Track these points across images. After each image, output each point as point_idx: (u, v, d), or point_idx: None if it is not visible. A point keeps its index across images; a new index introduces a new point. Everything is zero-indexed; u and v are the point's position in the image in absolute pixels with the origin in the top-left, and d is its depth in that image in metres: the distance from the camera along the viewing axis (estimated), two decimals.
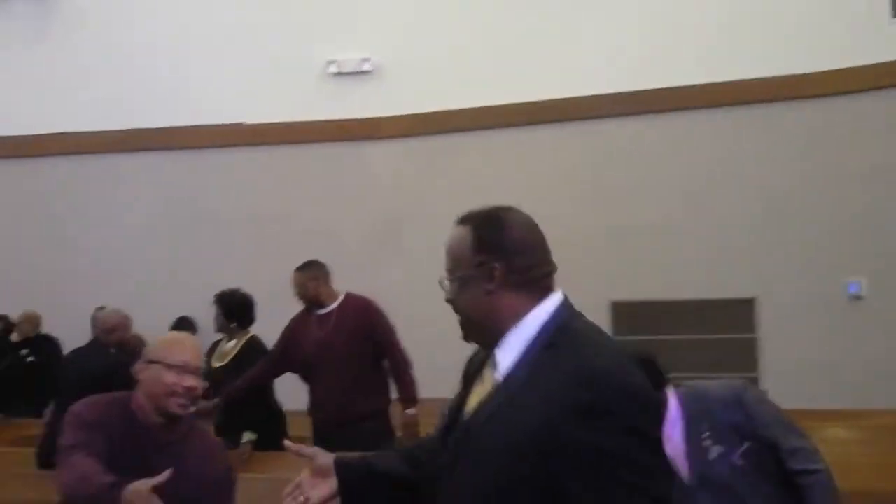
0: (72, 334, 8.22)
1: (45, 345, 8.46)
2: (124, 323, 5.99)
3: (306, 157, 9.10)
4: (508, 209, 2.00)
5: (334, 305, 5.73)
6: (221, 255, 8.84)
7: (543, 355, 1.83)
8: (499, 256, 1.90)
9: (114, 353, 5.83)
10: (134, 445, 2.90)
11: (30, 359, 8.48)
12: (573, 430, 1.68)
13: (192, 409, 3.01)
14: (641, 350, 2.99)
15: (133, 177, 9.15)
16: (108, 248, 9.03)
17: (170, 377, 2.91)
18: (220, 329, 6.06)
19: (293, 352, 5.83)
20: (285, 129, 9.04)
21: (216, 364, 5.92)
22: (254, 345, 5.98)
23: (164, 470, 2.75)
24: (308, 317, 5.81)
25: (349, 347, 5.60)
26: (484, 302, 1.91)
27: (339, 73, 9.18)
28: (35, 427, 6.32)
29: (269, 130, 9.06)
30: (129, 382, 5.26)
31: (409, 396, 5.59)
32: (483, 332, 1.94)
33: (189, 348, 3.02)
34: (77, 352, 6.43)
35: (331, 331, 5.68)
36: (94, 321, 6.42)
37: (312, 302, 5.76)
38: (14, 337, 8.59)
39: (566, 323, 1.88)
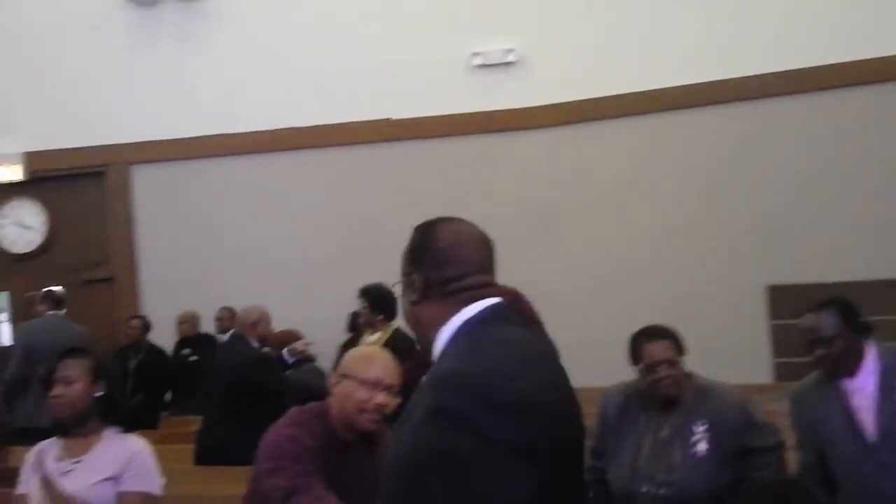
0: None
1: (206, 343, 8.81)
2: (265, 318, 6.34)
3: (454, 150, 9.19)
4: (447, 220, 2.02)
5: None
6: (374, 251, 9.04)
7: (438, 364, 1.84)
8: (420, 268, 1.96)
9: (255, 348, 6.14)
10: (331, 462, 2.92)
11: (192, 357, 8.85)
12: (420, 431, 1.68)
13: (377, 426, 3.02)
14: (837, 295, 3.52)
15: (287, 175, 9.41)
16: (265, 246, 9.31)
17: (362, 393, 2.94)
18: (366, 322, 6.20)
19: None
20: (431, 123, 9.15)
21: None
22: (399, 337, 6.09)
23: (360, 487, 2.79)
24: None
25: None
26: (409, 311, 1.99)
27: (484, 65, 9.24)
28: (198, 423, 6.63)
29: (416, 125, 9.19)
30: (271, 374, 5.49)
31: None
32: (419, 339, 2.00)
33: (382, 364, 3.02)
34: (221, 347, 6.74)
35: None
36: (237, 317, 6.81)
37: None
38: (175, 337, 9.00)
39: (469, 330, 1.87)
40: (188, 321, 8.86)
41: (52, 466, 3.29)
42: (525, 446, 1.69)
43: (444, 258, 1.96)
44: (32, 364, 6.90)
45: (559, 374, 1.97)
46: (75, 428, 3.33)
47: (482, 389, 1.71)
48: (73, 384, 3.30)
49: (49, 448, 3.38)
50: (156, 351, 8.88)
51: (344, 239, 9.24)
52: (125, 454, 3.28)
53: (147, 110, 9.45)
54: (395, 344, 6.00)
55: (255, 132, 9.35)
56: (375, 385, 2.94)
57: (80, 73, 9.54)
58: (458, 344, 1.86)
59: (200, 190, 9.50)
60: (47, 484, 3.23)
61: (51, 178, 9.57)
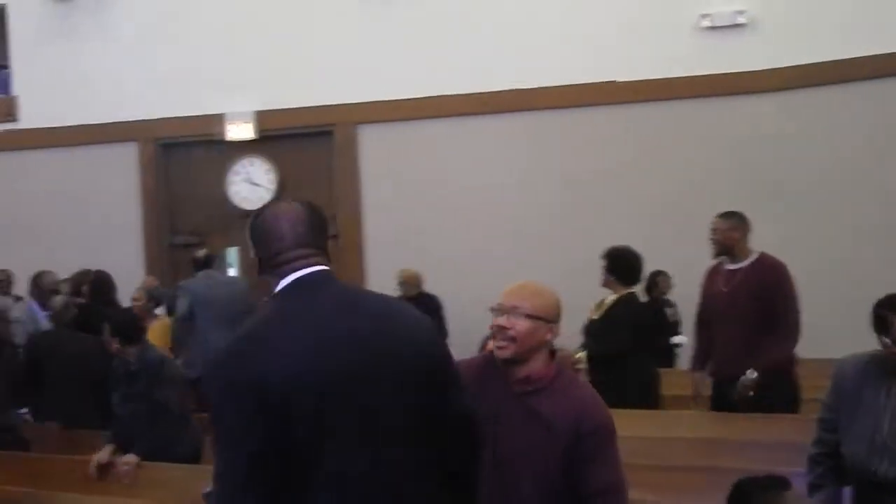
0: (451, 289, 8.92)
1: (430, 301, 9.10)
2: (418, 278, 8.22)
3: (679, 113, 9.25)
4: (273, 204, 2.56)
5: (746, 263, 5.84)
6: (596, 210, 9.24)
7: None
8: (254, 246, 2.47)
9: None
10: (490, 394, 2.95)
11: None
12: None
13: (509, 353, 2.95)
14: None
15: (509, 135, 9.63)
16: (488, 206, 9.57)
17: (492, 321, 3.00)
18: (604, 284, 6.34)
19: (705, 304, 6.09)
20: (659, 86, 9.23)
21: (593, 317, 6.26)
22: (626, 301, 6.21)
23: (513, 419, 2.88)
24: (718, 269, 6.00)
25: (749, 307, 5.70)
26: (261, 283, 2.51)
27: (713, 27, 9.24)
28: None
29: (643, 87, 9.28)
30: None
31: (765, 368, 5.59)
32: None
33: (513, 290, 3.00)
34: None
35: (736, 287, 5.82)
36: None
37: (727, 253, 5.92)
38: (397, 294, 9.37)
39: (264, 304, 2.43)
40: (409, 281, 9.15)
41: None
42: (256, 411, 2.14)
43: (266, 237, 2.43)
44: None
45: (338, 336, 2.30)
46: None
47: (217, 361, 2.33)
48: None
49: None
50: None
51: (566, 199, 9.40)
52: None
53: (374, 71, 9.76)
54: (616, 310, 6.18)
55: (480, 93, 9.57)
56: (497, 309, 2.98)
57: (311, 34, 9.93)
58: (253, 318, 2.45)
59: (425, 150, 9.79)
60: None
61: (280, 136, 10.04)
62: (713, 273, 6.04)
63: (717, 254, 5.99)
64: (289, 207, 2.47)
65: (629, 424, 4.58)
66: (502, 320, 2.93)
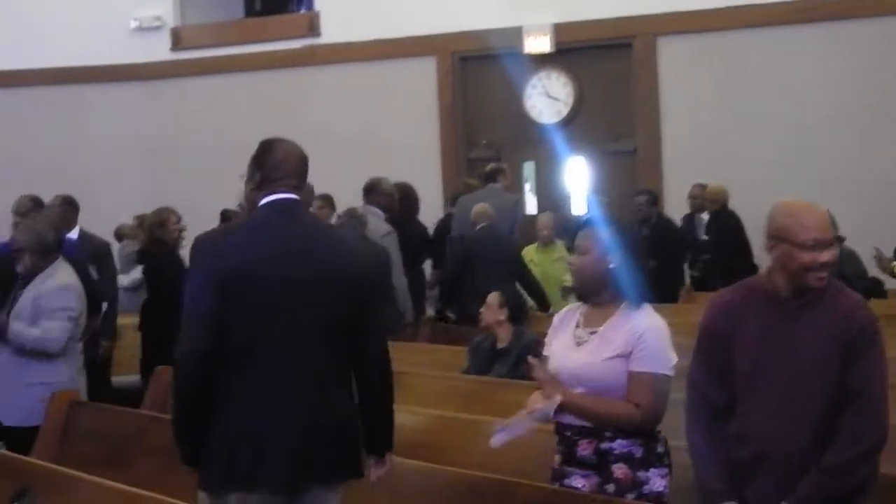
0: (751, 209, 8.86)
1: (725, 220, 9.13)
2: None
3: None
4: (283, 140, 3.34)
5: None
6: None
7: None
8: (260, 166, 3.29)
9: None
10: (763, 318, 3.09)
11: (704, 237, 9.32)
12: None
13: (825, 282, 3.04)
14: None
15: (804, 49, 9.45)
16: (772, 123, 9.49)
17: (804, 256, 2.97)
18: None
19: None
20: None
21: None
22: None
23: (794, 335, 3.00)
24: None
25: None
26: (248, 195, 3.42)
27: None
28: None
29: None
30: None
31: None
32: None
33: (819, 223, 3.03)
34: None
35: None
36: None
37: None
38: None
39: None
40: (714, 196, 9.11)
41: (574, 332, 3.47)
42: (214, 282, 3.08)
43: (277, 164, 3.25)
44: None
45: (289, 248, 3.15)
46: (592, 297, 3.46)
47: (198, 248, 3.21)
48: (585, 255, 3.43)
49: (574, 313, 3.56)
50: (665, 223, 9.30)
51: (882, 117, 9.18)
52: (635, 330, 3.33)
53: None
54: None
55: (789, 1, 9.42)
56: (814, 246, 2.97)
57: None
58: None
59: (728, 62, 9.72)
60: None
61: (578, 49, 10.19)
62: None
63: None
64: (296, 146, 3.33)
65: None
66: (828, 256, 3.01)
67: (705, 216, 9.45)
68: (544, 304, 7.57)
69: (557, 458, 3.44)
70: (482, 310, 5.83)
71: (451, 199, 9.13)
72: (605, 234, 3.39)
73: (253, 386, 3.10)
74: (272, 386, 3.10)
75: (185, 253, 5.22)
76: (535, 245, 8.14)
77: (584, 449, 3.33)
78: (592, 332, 3.40)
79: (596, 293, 3.43)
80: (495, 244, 7.64)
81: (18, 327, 4.99)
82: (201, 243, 3.22)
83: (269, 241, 3.16)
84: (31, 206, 6.43)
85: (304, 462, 3.11)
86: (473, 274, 7.50)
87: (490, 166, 8.94)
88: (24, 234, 5.25)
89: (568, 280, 7.46)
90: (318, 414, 3.15)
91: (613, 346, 3.33)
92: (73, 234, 6.61)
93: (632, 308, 3.39)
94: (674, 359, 3.35)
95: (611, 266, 3.37)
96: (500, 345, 5.73)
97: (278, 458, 3.06)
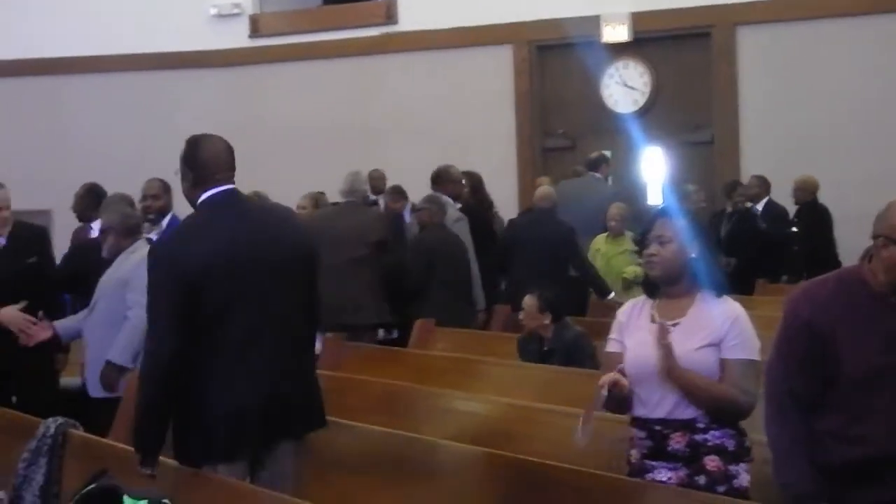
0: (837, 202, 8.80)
1: (810, 212, 9.04)
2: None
3: None
4: (210, 136, 3.63)
5: None
6: None
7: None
8: (193, 166, 3.57)
9: None
10: (869, 317, 3.05)
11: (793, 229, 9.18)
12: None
13: None
14: None
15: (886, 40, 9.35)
16: (854, 115, 9.41)
17: None
18: None
19: None
20: None
21: None
22: None
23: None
24: None
25: None
26: (187, 192, 3.64)
27: None
28: None
29: None
30: None
31: None
32: None
33: None
34: None
35: None
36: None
37: None
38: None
39: (197, 208, 3.60)
40: (805, 187, 8.99)
41: (650, 327, 3.39)
42: (179, 279, 3.32)
43: (209, 160, 3.53)
44: None
45: (248, 236, 3.46)
46: (669, 288, 3.42)
47: (161, 250, 3.59)
48: (668, 244, 3.37)
49: (641, 307, 3.51)
50: (746, 214, 9.22)
51: None
52: (726, 319, 3.31)
53: None
54: None
55: None
56: None
57: None
58: (186, 218, 3.75)
59: (809, 53, 9.64)
60: (662, 332, 3.32)
61: (656, 38, 10.20)
62: None
63: None
64: (221, 140, 3.62)
65: None
66: None
67: (760, 206, 9.30)
68: (602, 292, 7.58)
69: (635, 452, 3.41)
70: (521, 315, 5.81)
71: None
72: (682, 224, 3.40)
73: (232, 366, 3.41)
74: (251, 365, 3.42)
75: None
76: (606, 234, 8.19)
77: (678, 442, 3.29)
78: (675, 324, 3.35)
79: (674, 283, 3.40)
80: (538, 228, 7.59)
81: (118, 345, 5.03)
82: (158, 250, 3.64)
83: (224, 233, 3.44)
84: (160, 187, 6.59)
85: (278, 426, 3.50)
86: (514, 258, 7.59)
87: (594, 155, 9.01)
88: (111, 214, 5.45)
89: (629, 273, 7.55)
90: (292, 381, 3.53)
91: (702, 335, 3.31)
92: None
93: (710, 297, 3.38)
94: (759, 345, 3.35)
95: (691, 256, 3.37)
96: (545, 345, 5.73)
97: (256, 428, 3.44)
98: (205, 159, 3.53)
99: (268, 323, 3.45)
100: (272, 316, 3.46)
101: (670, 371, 3.26)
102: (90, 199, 7.10)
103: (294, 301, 3.56)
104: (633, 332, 3.46)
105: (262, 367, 3.43)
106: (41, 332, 4.89)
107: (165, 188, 6.51)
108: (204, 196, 3.51)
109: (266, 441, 3.51)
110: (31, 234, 5.72)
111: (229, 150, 3.59)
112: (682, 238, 3.37)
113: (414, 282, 7.13)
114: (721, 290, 3.41)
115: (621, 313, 3.57)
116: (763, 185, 9.25)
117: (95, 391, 5.16)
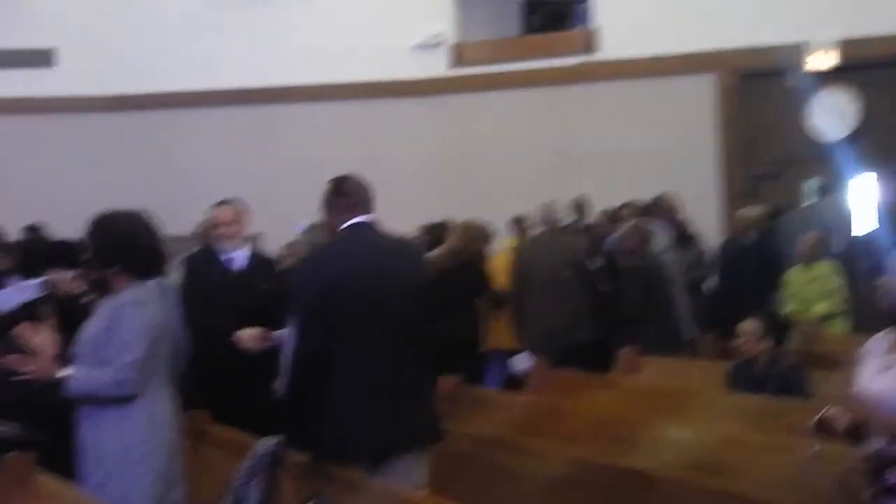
0: None
1: None
2: None
3: None
4: (351, 175, 4.22)
5: None
6: None
7: None
8: (337, 199, 4.22)
9: None
10: None
11: None
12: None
13: None
14: None
15: None
16: None
17: None
18: None
19: None
20: None
21: None
22: None
23: None
24: None
25: None
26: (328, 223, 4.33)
27: None
28: None
29: None
30: None
31: None
32: None
33: None
34: None
35: None
36: None
37: None
38: None
39: (338, 233, 4.15)
40: None
41: (884, 358, 3.38)
42: (322, 308, 3.84)
43: (353, 196, 4.09)
44: None
45: (377, 266, 3.98)
46: None
47: (301, 272, 4.27)
48: None
49: (881, 339, 3.48)
50: None
51: None
52: None
53: None
54: None
55: None
56: None
57: None
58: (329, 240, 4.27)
59: None
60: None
61: (865, 66, 10.11)
62: None
63: None
64: (363, 179, 4.14)
65: None
66: None
67: None
68: None
69: (868, 491, 3.32)
70: (740, 341, 5.80)
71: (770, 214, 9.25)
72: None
73: (357, 380, 3.88)
74: (371, 382, 3.88)
75: None
76: (801, 264, 8.16)
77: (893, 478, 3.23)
78: None
79: None
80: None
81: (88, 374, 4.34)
82: (308, 261, 4.42)
83: (352, 258, 3.96)
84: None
85: (392, 442, 3.94)
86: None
87: (821, 181, 9.01)
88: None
89: (822, 310, 7.56)
90: (405, 402, 3.97)
91: None
92: None
93: None
94: None
95: None
96: (757, 367, 5.73)
97: (369, 442, 3.90)
98: (350, 192, 4.10)
99: (374, 351, 3.89)
100: (378, 341, 3.91)
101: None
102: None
103: (398, 325, 3.96)
104: (869, 361, 3.47)
105: (374, 388, 3.90)
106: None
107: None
108: (345, 224, 4.06)
109: (375, 461, 3.94)
110: (263, 261, 5.95)
111: (369, 189, 4.15)
112: None
113: (628, 309, 7.32)
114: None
115: (871, 342, 3.55)
116: None
117: None
